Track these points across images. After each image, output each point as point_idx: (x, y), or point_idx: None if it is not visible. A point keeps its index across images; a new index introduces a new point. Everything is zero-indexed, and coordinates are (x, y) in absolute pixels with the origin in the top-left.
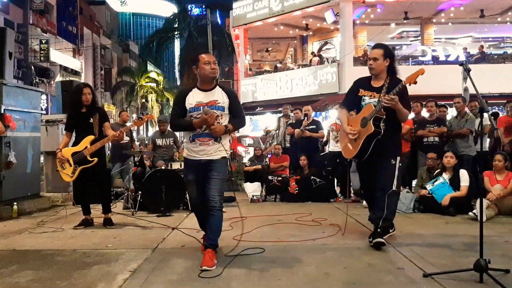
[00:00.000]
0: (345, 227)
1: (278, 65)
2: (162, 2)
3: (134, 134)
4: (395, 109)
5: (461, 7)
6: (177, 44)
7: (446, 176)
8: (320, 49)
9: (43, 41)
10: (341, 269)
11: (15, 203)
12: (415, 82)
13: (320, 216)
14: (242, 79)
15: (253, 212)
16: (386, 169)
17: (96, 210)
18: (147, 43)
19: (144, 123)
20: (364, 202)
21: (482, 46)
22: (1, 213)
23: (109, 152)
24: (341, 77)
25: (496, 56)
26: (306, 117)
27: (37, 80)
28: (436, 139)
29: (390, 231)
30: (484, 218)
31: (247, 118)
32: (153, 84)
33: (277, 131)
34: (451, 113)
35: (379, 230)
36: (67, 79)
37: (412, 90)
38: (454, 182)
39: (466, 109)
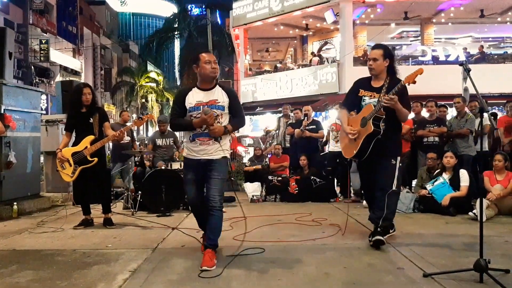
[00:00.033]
0: (346, 227)
1: (278, 65)
2: (162, 2)
3: (134, 134)
4: (395, 109)
5: (461, 7)
6: (177, 44)
7: (446, 176)
8: (320, 49)
9: (43, 41)
10: (341, 269)
11: (15, 203)
12: (414, 82)
13: (320, 216)
14: (242, 79)
15: (253, 212)
16: (386, 169)
17: (96, 210)
18: (147, 43)
19: (144, 123)
20: (364, 202)
21: (482, 46)
22: (1, 213)
23: (109, 152)
24: (341, 77)
25: (496, 56)
26: (306, 117)
27: (37, 80)
28: (436, 139)
29: (390, 231)
30: (484, 218)
31: (247, 118)
32: (153, 84)
33: (277, 131)
34: (451, 113)
35: (379, 229)
36: (67, 79)
37: (412, 90)
38: (454, 182)
39: (466, 109)
